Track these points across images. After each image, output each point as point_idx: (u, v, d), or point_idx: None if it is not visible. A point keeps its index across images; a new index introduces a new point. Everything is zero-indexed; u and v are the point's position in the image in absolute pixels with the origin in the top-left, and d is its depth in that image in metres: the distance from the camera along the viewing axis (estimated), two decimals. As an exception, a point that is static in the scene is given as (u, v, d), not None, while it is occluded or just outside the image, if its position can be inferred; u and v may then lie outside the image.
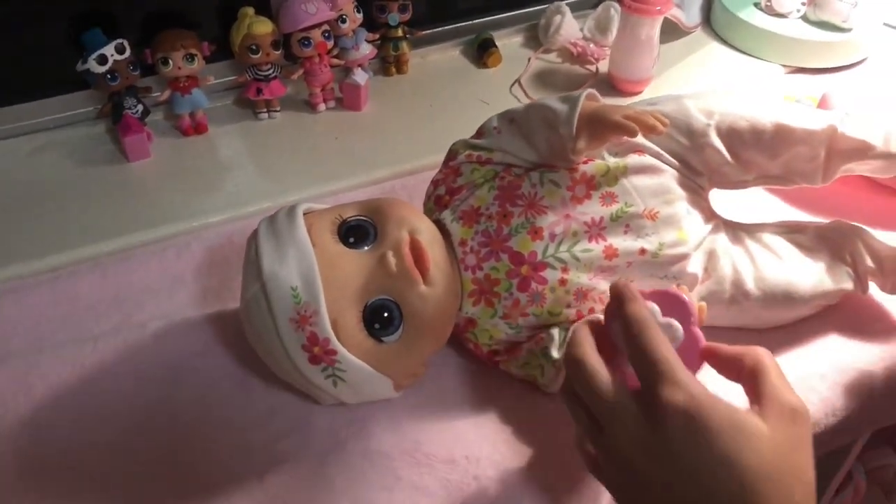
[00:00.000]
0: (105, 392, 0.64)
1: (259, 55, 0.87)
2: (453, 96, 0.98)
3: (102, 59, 0.81)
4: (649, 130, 0.58)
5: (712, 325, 0.60)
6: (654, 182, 0.64)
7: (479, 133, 0.67)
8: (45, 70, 0.87)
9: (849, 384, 0.65)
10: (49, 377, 0.65)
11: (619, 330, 0.49)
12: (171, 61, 0.85)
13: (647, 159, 0.65)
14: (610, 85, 0.99)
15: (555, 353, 0.60)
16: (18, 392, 0.64)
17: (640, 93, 0.98)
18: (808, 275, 0.66)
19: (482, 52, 1.03)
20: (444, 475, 0.59)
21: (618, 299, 0.50)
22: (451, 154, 0.67)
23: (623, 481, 0.48)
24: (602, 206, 0.62)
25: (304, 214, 0.59)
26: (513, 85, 0.99)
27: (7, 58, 0.85)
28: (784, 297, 0.66)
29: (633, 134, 0.58)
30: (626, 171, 0.63)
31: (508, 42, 1.06)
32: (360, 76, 0.93)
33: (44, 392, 0.64)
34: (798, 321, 0.68)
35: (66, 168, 0.86)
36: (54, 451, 0.60)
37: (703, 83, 1.00)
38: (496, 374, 0.65)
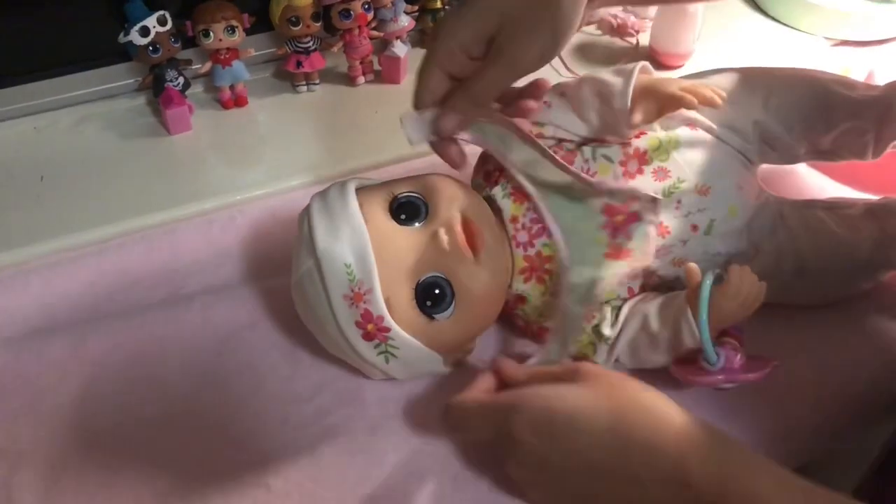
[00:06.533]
0: (155, 365, 0.65)
1: (299, 27, 0.87)
2: (492, 69, 0.97)
3: (145, 31, 0.81)
4: (707, 103, 0.57)
5: (764, 303, 0.60)
6: (706, 156, 0.63)
7: (527, 107, 0.66)
8: (86, 42, 0.86)
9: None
10: (98, 350, 0.65)
11: None
12: (212, 33, 0.84)
13: (699, 133, 0.64)
14: (650, 58, 0.97)
15: (607, 331, 0.60)
16: (70, 365, 0.64)
17: (681, 66, 0.97)
18: (858, 252, 0.66)
19: (521, 24, 1.01)
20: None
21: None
22: None
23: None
24: (655, 181, 0.61)
25: (356, 190, 0.59)
26: (552, 58, 0.98)
27: (48, 29, 0.84)
28: (834, 275, 0.66)
29: (692, 106, 0.57)
30: (677, 145, 0.62)
31: (547, 14, 1.05)
32: (399, 48, 0.92)
33: (93, 365, 0.64)
34: (849, 299, 0.68)
35: (107, 140, 0.86)
36: (104, 424, 0.61)
37: (744, 57, 0.98)
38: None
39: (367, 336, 0.56)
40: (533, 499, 0.54)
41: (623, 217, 0.59)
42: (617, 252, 0.59)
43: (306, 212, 0.59)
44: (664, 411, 0.49)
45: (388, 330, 0.56)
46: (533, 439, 0.49)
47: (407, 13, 0.94)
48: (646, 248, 0.59)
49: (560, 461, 0.49)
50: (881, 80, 0.82)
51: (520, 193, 0.61)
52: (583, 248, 0.59)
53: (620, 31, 1.02)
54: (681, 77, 0.66)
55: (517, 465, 0.51)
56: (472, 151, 0.69)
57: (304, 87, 0.93)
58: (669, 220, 0.61)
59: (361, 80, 0.94)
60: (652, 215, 0.59)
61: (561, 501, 0.51)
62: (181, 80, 0.87)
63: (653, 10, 1.00)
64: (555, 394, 0.50)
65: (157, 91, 0.86)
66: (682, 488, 0.46)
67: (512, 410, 0.50)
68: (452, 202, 0.58)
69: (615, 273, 0.59)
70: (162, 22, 0.82)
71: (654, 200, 0.58)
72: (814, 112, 0.65)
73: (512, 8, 0.54)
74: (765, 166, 0.69)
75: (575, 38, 1.01)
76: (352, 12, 0.88)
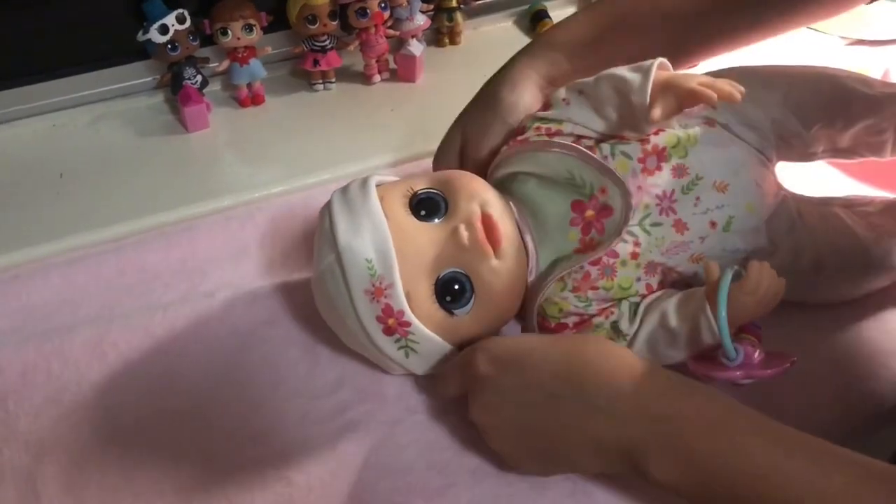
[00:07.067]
0: (176, 360, 0.65)
1: (316, 26, 0.87)
2: (507, 68, 0.97)
3: (164, 29, 0.82)
4: (727, 98, 0.57)
5: (781, 301, 0.60)
6: (724, 153, 0.63)
7: (546, 105, 0.66)
8: (104, 40, 0.87)
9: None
10: (120, 345, 0.66)
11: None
12: (229, 31, 0.85)
13: (717, 130, 0.64)
14: (665, 57, 0.98)
15: (625, 327, 0.60)
16: (92, 360, 0.65)
17: (695, 66, 0.97)
18: (876, 249, 0.66)
19: (535, 22, 1.02)
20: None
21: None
22: (519, 129, 0.66)
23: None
24: (673, 177, 0.61)
25: (376, 186, 0.60)
26: (567, 56, 0.98)
27: (66, 27, 0.85)
28: (852, 272, 0.66)
29: (711, 101, 0.56)
30: (696, 142, 0.62)
31: (562, 13, 1.04)
32: (415, 47, 0.93)
33: (116, 360, 0.65)
34: (867, 297, 0.68)
35: (125, 138, 0.87)
36: (125, 419, 0.61)
37: (758, 56, 0.98)
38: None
39: (388, 330, 0.56)
40: (496, 445, 0.56)
41: (593, 213, 0.60)
42: (588, 247, 0.60)
43: (327, 207, 0.59)
44: (617, 347, 0.55)
45: (408, 324, 0.56)
46: (493, 371, 0.54)
47: (423, 12, 0.95)
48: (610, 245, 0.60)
49: (519, 393, 0.53)
50: (899, 78, 0.83)
51: None
52: (554, 245, 0.61)
53: (635, 29, 1.02)
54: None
55: (480, 407, 0.55)
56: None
57: (321, 86, 0.93)
58: (688, 216, 0.61)
59: (377, 78, 0.94)
60: (625, 212, 0.59)
61: (520, 442, 0.54)
62: (199, 77, 0.87)
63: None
64: (513, 336, 0.60)
65: (175, 89, 0.86)
66: (637, 410, 0.49)
67: (475, 351, 0.56)
68: (472, 198, 0.59)
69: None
70: (180, 20, 0.83)
71: (625, 191, 0.58)
72: (832, 109, 0.64)
73: (468, 119, 0.69)
74: (782, 164, 0.69)
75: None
76: (368, 11, 0.88)
